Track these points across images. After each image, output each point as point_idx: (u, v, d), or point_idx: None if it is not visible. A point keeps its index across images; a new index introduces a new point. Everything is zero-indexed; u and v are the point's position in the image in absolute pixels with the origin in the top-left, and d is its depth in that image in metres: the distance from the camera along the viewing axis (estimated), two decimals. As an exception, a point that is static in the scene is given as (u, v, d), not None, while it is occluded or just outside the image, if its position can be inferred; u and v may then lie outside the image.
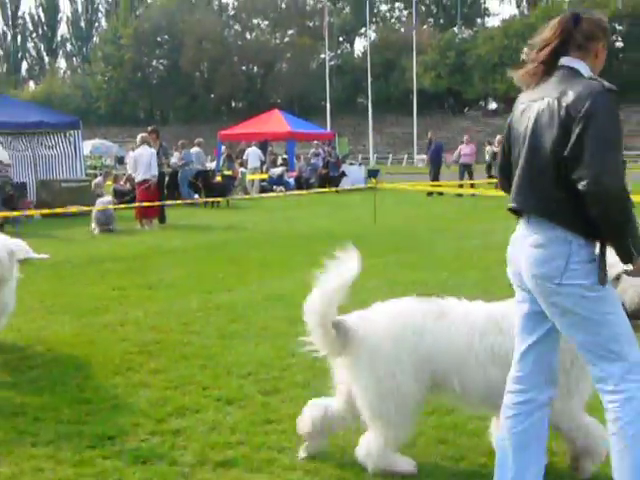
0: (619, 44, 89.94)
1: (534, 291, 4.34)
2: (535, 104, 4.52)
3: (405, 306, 5.26)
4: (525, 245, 4.40)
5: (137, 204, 20.35)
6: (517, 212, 4.56)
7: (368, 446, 4.99)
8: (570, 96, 4.23)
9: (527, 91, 4.81)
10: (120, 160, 52.22)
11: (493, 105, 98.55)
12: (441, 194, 30.77)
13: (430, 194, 30.58)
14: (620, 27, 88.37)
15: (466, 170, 32.60)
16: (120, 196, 25.14)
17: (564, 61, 4.54)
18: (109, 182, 29.16)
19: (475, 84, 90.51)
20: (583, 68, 4.48)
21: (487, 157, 34.00)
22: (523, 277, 4.42)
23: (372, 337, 5.05)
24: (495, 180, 31.29)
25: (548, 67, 4.58)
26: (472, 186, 30.99)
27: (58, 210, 19.54)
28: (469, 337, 4.98)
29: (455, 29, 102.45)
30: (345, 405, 5.21)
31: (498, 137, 33.99)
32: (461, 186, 31.43)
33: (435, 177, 32.68)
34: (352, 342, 5.07)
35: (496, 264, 12.84)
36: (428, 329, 5.03)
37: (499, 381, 4.74)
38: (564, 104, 4.22)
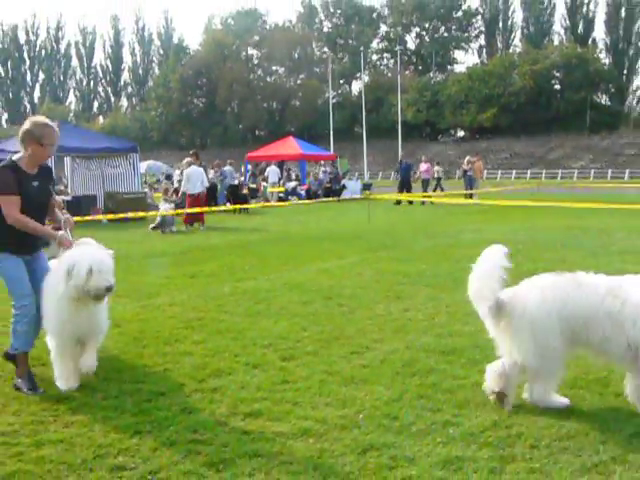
0: (557, 87, 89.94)
1: None
2: None
3: (551, 281, 5.28)
4: None
5: (189, 210, 20.50)
6: None
7: (533, 394, 5.16)
8: None
9: None
10: (168, 177, 52.31)
11: (461, 133, 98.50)
12: (411, 202, 30.53)
13: (398, 202, 30.21)
14: (558, 74, 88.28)
15: (424, 183, 32.91)
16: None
17: None
18: (158, 194, 29.25)
19: (446, 117, 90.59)
20: None
21: (436, 175, 34.01)
22: None
23: (530, 308, 5.13)
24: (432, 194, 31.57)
25: None
26: (431, 196, 31.05)
27: (120, 215, 19.58)
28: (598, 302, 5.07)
29: (431, 74, 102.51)
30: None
31: (467, 158, 33.96)
32: (428, 196, 31.05)
33: (407, 189, 31.77)
34: (512, 313, 5.19)
35: (463, 258, 12.86)
36: (570, 297, 5.10)
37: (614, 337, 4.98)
38: None
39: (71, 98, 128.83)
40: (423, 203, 30.32)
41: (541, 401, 5.08)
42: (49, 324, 5.77)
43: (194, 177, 20.78)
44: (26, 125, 5.73)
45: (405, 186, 31.78)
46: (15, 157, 5.77)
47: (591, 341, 5.09)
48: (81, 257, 5.59)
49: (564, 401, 5.04)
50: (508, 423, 4.91)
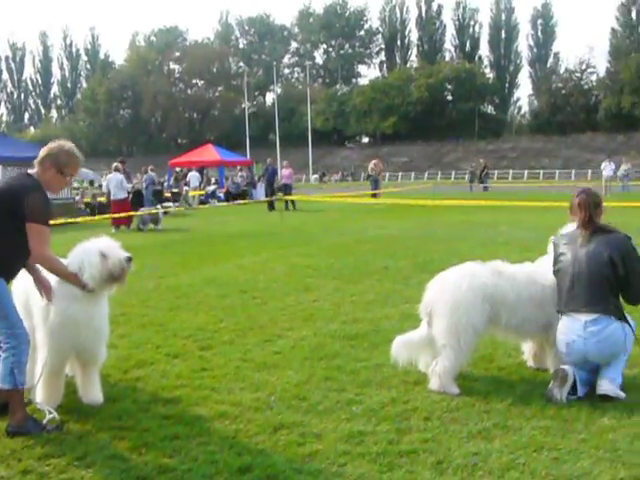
0: (449, 98, 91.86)
1: None
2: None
3: (475, 269, 5.35)
4: None
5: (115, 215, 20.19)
6: None
7: (438, 366, 5.13)
8: None
9: None
10: (91, 182, 52.00)
11: (365, 139, 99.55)
12: (273, 207, 27.54)
13: (272, 207, 27.25)
14: (449, 86, 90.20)
15: (286, 188, 29.46)
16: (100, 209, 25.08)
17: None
18: (88, 199, 28.63)
19: (352, 125, 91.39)
20: None
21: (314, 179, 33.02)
22: None
23: (458, 293, 5.15)
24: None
25: None
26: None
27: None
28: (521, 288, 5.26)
29: (337, 86, 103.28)
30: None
31: (373, 162, 34.11)
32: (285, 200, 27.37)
33: (271, 193, 28.97)
34: (440, 298, 5.20)
35: (367, 252, 13.03)
36: (495, 284, 5.21)
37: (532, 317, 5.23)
38: None
39: (2, 110, 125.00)
40: (294, 206, 27.42)
41: (444, 374, 5.08)
42: (50, 337, 4.75)
43: (112, 183, 20.50)
44: (52, 148, 4.73)
45: (270, 190, 29.37)
46: (35, 176, 4.68)
47: (511, 322, 5.25)
48: (84, 249, 4.87)
49: (456, 390, 5.10)
50: (405, 399, 4.97)
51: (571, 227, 5.40)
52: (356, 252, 13.05)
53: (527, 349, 5.73)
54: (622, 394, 4.88)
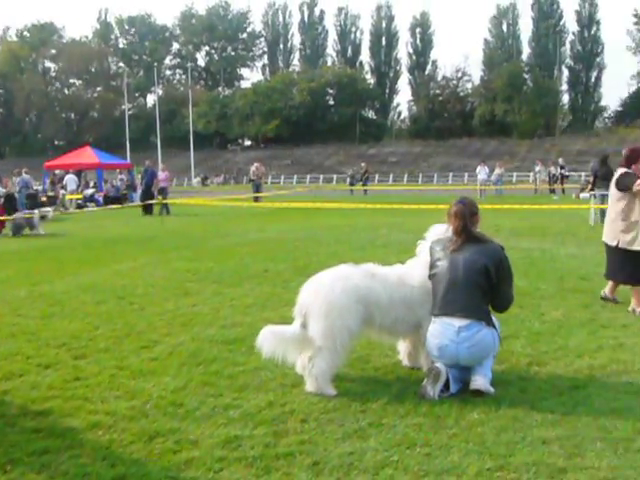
0: (331, 102, 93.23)
1: None
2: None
3: (349, 272, 5.38)
4: None
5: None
6: None
7: (314, 369, 5.13)
8: None
9: None
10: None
11: (248, 142, 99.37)
12: (150, 212, 26.75)
13: (148, 211, 26.55)
14: (331, 91, 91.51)
15: (162, 191, 28.52)
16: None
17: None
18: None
19: (234, 128, 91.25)
20: None
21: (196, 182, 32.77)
22: None
23: (332, 296, 5.17)
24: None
25: None
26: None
27: None
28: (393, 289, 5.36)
29: (220, 89, 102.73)
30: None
31: (255, 165, 34.10)
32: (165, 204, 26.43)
33: (150, 196, 27.78)
34: (316, 300, 5.21)
35: (248, 255, 13.01)
36: (368, 286, 5.27)
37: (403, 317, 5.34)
38: None
39: None
40: (168, 211, 26.18)
41: (320, 376, 5.12)
42: None
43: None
44: None
45: (148, 193, 28.21)
46: None
47: (384, 323, 5.35)
48: None
49: (332, 391, 5.14)
50: (282, 402, 4.99)
51: (440, 228, 5.58)
52: (236, 256, 13.01)
53: (402, 349, 5.88)
54: (492, 389, 5.10)
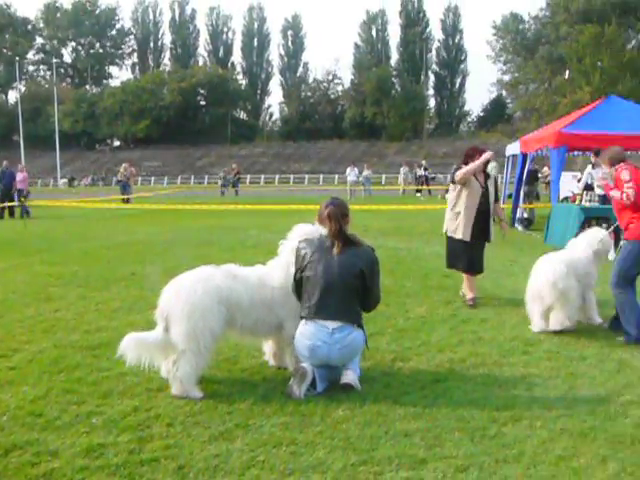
0: (202, 103, 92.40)
1: None
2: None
3: (211, 273, 5.31)
4: None
5: None
6: None
7: (178, 372, 5.05)
8: None
9: None
10: None
11: (117, 143, 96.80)
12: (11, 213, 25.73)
13: (11, 214, 25.33)
14: (202, 91, 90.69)
15: (20, 193, 26.33)
16: None
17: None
18: None
19: (103, 127, 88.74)
20: None
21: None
22: None
23: (194, 297, 5.10)
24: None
25: None
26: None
27: None
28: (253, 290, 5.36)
29: (87, 87, 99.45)
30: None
31: (123, 166, 33.12)
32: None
33: (9, 199, 25.93)
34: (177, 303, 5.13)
35: (115, 258, 12.66)
36: (229, 287, 5.23)
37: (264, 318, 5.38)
38: None
39: None
40: (28, 214, 24.18)
41: (185, 379, 5.05)
42: None
43: None
44: None
45: (7, 195, 26.14)
46: None
47: (245, 324, 5.33)
48: None
49: (198, 394, 5.09)
50: (147, 407, 4.88)
51: (305, 228, 5.61)
52: (103, 258, 12.63)
53: (267, 349, 5.90)
54: (359, 385, 5.20)
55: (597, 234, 7.72)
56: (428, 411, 4.79)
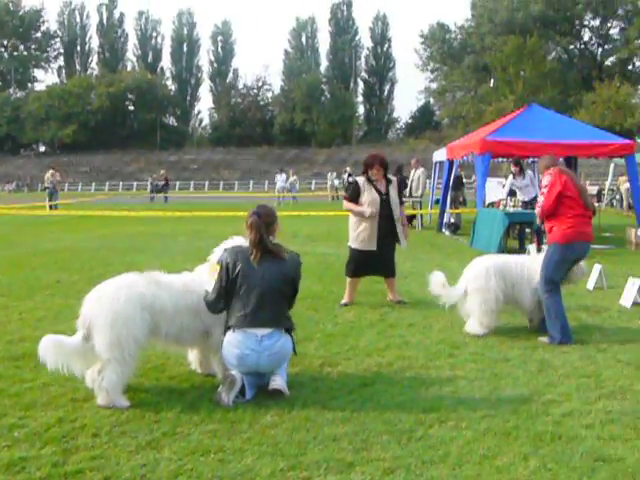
0: (131, 108, 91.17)
1: None
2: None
3: (134, 280, 5.22)
4: None
5: None
6: None
7: (104, 382, 4.95)
8: None
9: None
10: None
11: (42, 148, 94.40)
12: None
13: None
14: (131, 96, 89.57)
15: None
16: None
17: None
18: None
19: (28, 132, 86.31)
20: None
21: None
22: None
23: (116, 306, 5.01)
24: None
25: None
26: None
27: None
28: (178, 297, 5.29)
29: (11, 90, 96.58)
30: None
31: (49, 171, 32.18)
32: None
33: None
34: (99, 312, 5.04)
35: (40, 266, 12.33)
36: (154, 294, 5.15)
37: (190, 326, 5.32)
38: None
39: None
40: None
41: (111, 388, 4.95)
42: None
43: None
44: None
45: None
46: None
47: (170, 332, 5.25)
48: None
49: (125, 403, 5.01)
50: (72, 418, 4.77)
51: (239, 240, 5.59)
52: (27, 266, 12.29)
53: (192, 357, 5.83)
54: (287, 391, 5.20)
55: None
56: (356, 415, 4.83)
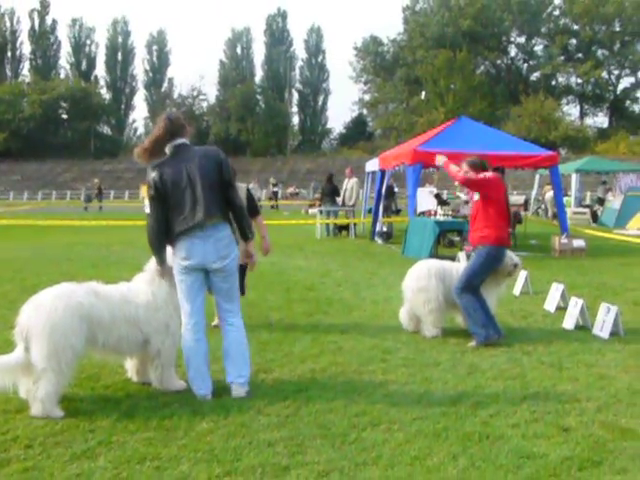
0: (65, 116, 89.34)
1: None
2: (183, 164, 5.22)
3: (71, 290, 5.11)
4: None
5: None
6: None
7: (38, 392, 4.84)
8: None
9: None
10: None
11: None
12: None
13: None
14: (65, 104, 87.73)
15: None
16: None
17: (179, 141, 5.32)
18: None
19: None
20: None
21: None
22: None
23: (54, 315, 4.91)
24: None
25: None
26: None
27: None
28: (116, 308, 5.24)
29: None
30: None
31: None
32: None
33: None
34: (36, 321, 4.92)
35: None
36: (91, 304, 5.07)
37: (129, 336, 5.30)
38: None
39: None
40: None
41: (47, 399, 4.84)
42: None
43: None
44: None
45: None
46: None
47: (108, 342, 5.19)
48: None
49: (59, 413, 4.88)
50: (4, 429, 4.65)
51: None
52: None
53: (129, 366, 5.78)
54: (248, 392, 5.40)
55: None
56: (291, 420, 4.87)
